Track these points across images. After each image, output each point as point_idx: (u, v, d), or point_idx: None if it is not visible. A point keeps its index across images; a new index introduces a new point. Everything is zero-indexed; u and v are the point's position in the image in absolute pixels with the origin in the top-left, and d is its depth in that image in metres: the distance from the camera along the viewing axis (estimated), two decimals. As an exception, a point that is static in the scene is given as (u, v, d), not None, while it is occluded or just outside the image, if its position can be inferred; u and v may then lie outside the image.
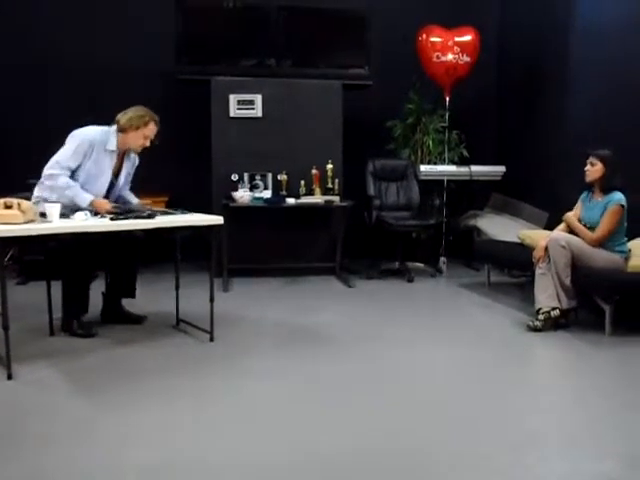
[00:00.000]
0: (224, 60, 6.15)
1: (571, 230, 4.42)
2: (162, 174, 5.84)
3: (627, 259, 4.30)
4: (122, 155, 4.17)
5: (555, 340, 4.09)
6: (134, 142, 4.07)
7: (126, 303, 4.40)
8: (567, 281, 4.20)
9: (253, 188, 5.85)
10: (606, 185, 4.30)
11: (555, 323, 4.23)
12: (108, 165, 4.07)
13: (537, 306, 4.26)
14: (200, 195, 5.69)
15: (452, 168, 6.50)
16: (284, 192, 5.89)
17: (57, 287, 4.03)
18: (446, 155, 6.58)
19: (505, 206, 6.68)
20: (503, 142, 7.20)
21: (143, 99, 4.26)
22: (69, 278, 4.02)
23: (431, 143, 6.57)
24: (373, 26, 6.29)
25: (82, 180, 3.97)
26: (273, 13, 6.19)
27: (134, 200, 4.29)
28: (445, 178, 6.51)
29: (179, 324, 4.29)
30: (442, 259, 6.46)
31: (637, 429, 2.74)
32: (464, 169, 6.48)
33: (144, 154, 4.35)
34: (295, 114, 6.07)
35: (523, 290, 5.36)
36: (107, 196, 4.13)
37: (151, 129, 4.08)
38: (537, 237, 4.72)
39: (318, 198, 5.85)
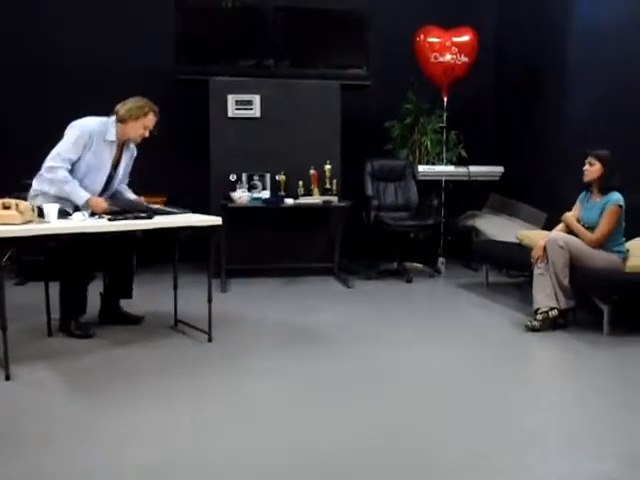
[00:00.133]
0: (223, 60, 6.15)
1: (570, 231, 4.42)
2: (160, 174, 5.83)
3: (625, 259, 4.31)
4: (121, 146, 4.15)
5: (553, 340, 4.09)
6: (133, 132, 4.06)
7: (124, 303, 4.40)
8: (565, 281, 4.20)
9: (251, 188, 5.84)
10: (604, 185, 4.31)
11: (553, 323, 4.23)
12: (108, 156, 4.06)
13: (535, 306, 4.26)
14: (198, 195, 5.68)
15: (450, 168, 6.51)
16: (282, 192, 5.89)
17: (55, 288, 4.03)
18: (444, 155, 6.58)
19: (503, 206, 6.68)
20: (501, 142, 7.21)
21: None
22: (67, 279, 4.02)
23: (429, 143, 6.57)
24: (371, 26, 6.29)
25: (82, 172, 3.96)
26: (271, 13, 6.19)
27: (131, 196, 4.27)
28: (443, 178, 6.51)
29: (177, 324, 4.28)
30: (440, 259, 6.47)
31: (636, 429, 2.74)
32: (462, 169, 6.48)
33: (143, 154, 4.35)
34: (293, 114, 6.07)
35: (521, 290, 5.36)
36: (106, 188, 4.13)
37: (150, 119, 4.07)
38: (535, 237, 4.73)
39: (316, 198, 5.85)
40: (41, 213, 3.48)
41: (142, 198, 4.21)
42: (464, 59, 6.39)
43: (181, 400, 3.03)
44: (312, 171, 5.95)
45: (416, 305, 5.15)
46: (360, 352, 3.83)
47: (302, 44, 6.32)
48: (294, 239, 6.11)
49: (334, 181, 6.03)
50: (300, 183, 5.95)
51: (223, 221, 3.99)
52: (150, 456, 2.46)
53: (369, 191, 6.33)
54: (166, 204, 5.87)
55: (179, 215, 4.08)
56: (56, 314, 4.05)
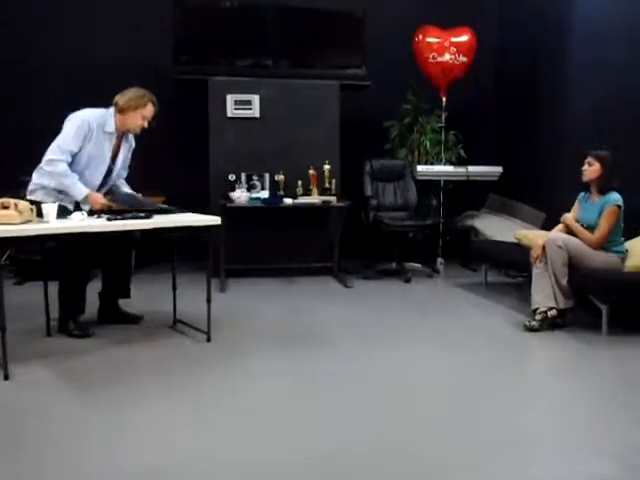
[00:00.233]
0: (222, 60, 6.16)
1: (569, 231, 4.42)
2: (159, 174, 5.85)
3: (624, 259, 4.31)
4: (120, 137, 4.15)
5: (552, 340, 4.10)
6: (133, 123, 4.05)
7: (123, 303, 4.40)
8: (564, 281, 4.20)
9: (250, 188, 5.84)
10: (603, 185, 4.31)
11: (552, 323, 4.23)
12: (107, 148, 4.06)
13: (534, 306, 4.26)
14: (197, 195, 5.68)
15: (449, 168, 6.51)
16: (281, 192, 5.89)
17: (54, 287, 4.03)
18: (443, 155, 6.58)
19: (502, 206, 6.68)
20: (500, 143, 7.21)
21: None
22: (66, 278, 4.02)
23: (428, 143, 6.57)
24: (370, 26, 6.30)
25: (83, 165, 3.95)
26: (270, 13, 6.20)
27: (128, 190, 4.26)
28: (442, 178, 6.51)
29: (176, 324, 4.28)
30: (439, 259, 6.47)
31: (634, 429, 2.74)
32: (461, 169, 6.49)
33: (142, 154, 4.35)
34: (292, 114, 6.07)
35: (520, 290, 5.37)
36: (105, 180, 4.12)
37: (149, 110, 4.07)
38: (534, 237, 4.73)
39: (315, 198, 5.85)
40: (40, 213, 3.49)
41: (140, 195, 4.21)
42: (462, 59, 6.39)
43: (180, 400, 3.03)
44: (311, 171, 5.95)
45: (415, 305, 5.15)
46: (359, 352, 3.83)
47: (301, 44, 6.32)
48: (293, 239, 6.11)
49: (333, 181, 6.03)
50: (299, 183, 5.95)
51: (222, 221, 3.98)
52: (149, 456, 2.46)
53: (368, 191, 6.34)
54: (165, 203, 5.89)
55: (177, 215, 4.08)
56: (55, 314, 4.05)
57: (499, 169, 6.53)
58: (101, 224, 3.59)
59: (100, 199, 3.93)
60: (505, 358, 3.76)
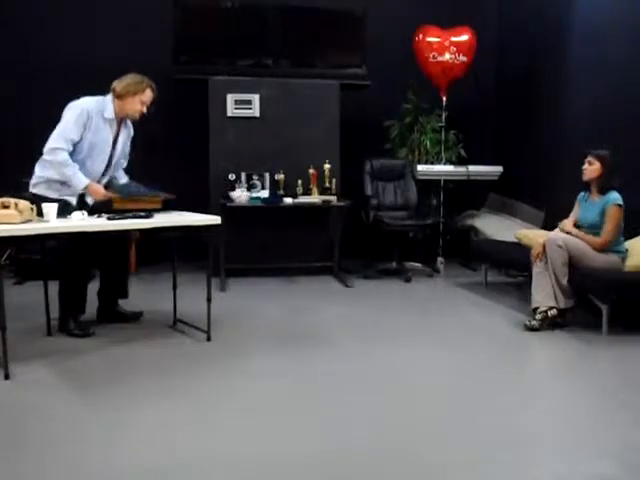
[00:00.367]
0: (222, 60, 6.16)
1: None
2: (159, 173, 5.80)
3: (624, 259, 4.31)
4: (119, 124, 4.14)
5: (552, 339, 4.10)
6: (131, 108, 4.05)
7: (122, 302, 4.40)
8: (564, 281, 4.20)
9: (250, 188, 5.84)
10: (603, 185, 4.31)
11: (552, 322, 4.23)
12: (108, 135, 4.06)
13: (534, 305, 4.26)
14: (198, 195, 5.67)
15: (449, 168, 6.51)
16: (281, 192, 5.89)
17: (54, 287, 4.03)
18: (443, 155, 6.58)
19: (502, 206, 6.68)
20: (500, 142, 7.20)
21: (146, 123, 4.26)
22: (66, 278, 4.02)
23: (428, 143, 6.57)
24: (370, 26, 6.30)
25: (85, 153, 3.95)
26: (270, 13, 6.20)
27: (127, 181, 4.27)
28: (442, 178, 6.51)
29: (176, 324, 4.28)
30: (439, 259, 6.47)
31: (634, 429, 2.74)
32: (461, 169, 6.49)
33: (142, 153, 4.35)
34: (292, 114, 6.07)
35: (520, 290, 5.37)
36: (106, 170, 4.12)
37: (148, 95, 4.08)
38: (534, 237, 4.73)
39: (315, 198, 5.85)
40: (40, 212, 3.49)
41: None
42: (463, 59, 6.39)
43: (180, 399, 3.03)
44: (311, 170, 5.96)
45: (415, 304, 5.15)
46: (359, 351, 3.83)
47: (301, 43, 6.33)
48: (293, 239, 6.11)
49: (333, 180, 6.04)
50: (299, 182, 5.95)
51: (222, 220, 3.99)
52: (149, 455, 2.46)
53: (368, 190, 6.34)
54: (164, 204, 5.89)
55: (177, 214, 4.08)
56: (55, 313, 4.05)
57: (499, 168, 6.53)
58: (101, 224, 3.59)
59: (100, 189, 3.94)
60: (505, 358, 3.76)
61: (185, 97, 6.31)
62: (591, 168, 4.35)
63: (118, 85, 4.03)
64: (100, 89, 4.15)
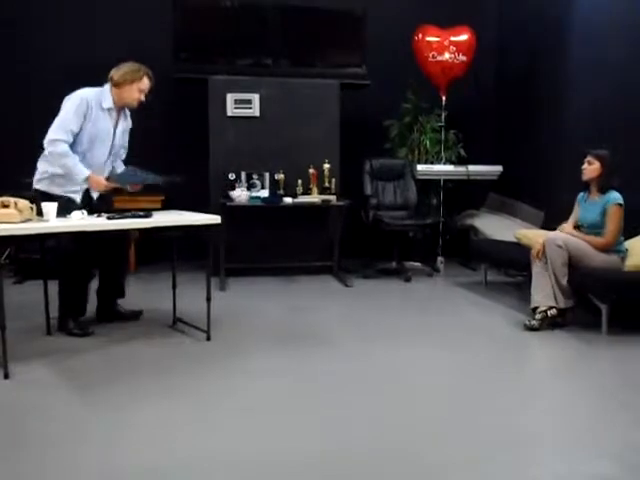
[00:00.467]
0: (221, 59, 6.16)
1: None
2: (159, 172, 5.82)
3: (624, 258, 4.31)
4: (118, 114, 4.13)
5: (552, 339, 4.10)
6: (130, 96, 4.05)
7: (122, 301, 4.40)
8: (564, 280, 4.20)
9: (250, 187, 5.84)
10: (603, 184, 4.31)
11: (552, 322, 4.23)
12: (108, 125, 4.05)
13: (534, 305, 4.26)
14: (197, 194, 5.67)
15: (449, 167, 6.51)
16: (281, 191, 5.89)
17: (54, 286, 4.03)
18: (443, 155, 6.58)
19: (502, 206, 6.68)
20: (500, 142, 7.20)
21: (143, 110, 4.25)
22: (67, 279, 4.01)
23: (428, 142, 6.57)
24: (370, 25, 6.30)
25: (86, 146, 3.94)
26: (270, 12, 6.20)
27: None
28: (442, 178, 6.51)
29: (176, 323, 4.28)
30: (439, 258, 6.47)
31: (634, 429, 2.74)
32: (461, 169, 6.49)
33: (142, 152, 4.34)
34: (292, 113, 6.07)
35: (520, 289, 5.37)
36: (106, 160, 4.12)
37: (145, 83, 4.07)
38: (534, 236, 4.73)
39: (315, 197, 5.85)
40: (40, 211, 3.48)
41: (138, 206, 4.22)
42: (462, 58, 6.40)
43: (180, 399, 3.03)
44: (311, 170, 5.96)
45: (414, 304, 5.15)
46: (358, 351, 3.83)
47: (301, 43, 6.32)
48: (293, 238, 6.11)
49: (333, 180, 6.04)
50: (299, 182, 5.95)
51: (222, 220, 3.99)
52: (149, 455, 2.46)
53: (368, 190, 6.33)
54: (164, 203, 5.90)
55: (177, 214, 4.08)
56: (55, 313, 4.05)
57: (499, 168, 6.53)
58: (100, 223, 3.59)
59: (101, 180, 3.94)
60: (505, 357, 3.76)
61: (185, 96, 6.31)
62: (590, 168, 4.35)
63: (115, 74, 4.03)
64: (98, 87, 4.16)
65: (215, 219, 3.92)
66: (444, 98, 6.54)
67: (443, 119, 6.56)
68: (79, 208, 3.70)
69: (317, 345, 3.91)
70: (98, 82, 4.09)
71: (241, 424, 2.77)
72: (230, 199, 5.66)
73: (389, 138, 6.66)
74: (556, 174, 5.80)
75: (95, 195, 4.08)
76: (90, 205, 3.99)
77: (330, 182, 6.02)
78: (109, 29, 6.36)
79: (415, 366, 3.59)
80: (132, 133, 4.31)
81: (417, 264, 6.34)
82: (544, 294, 4.22)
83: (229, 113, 5.95)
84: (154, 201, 5.82)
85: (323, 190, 5.97)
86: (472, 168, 6.48)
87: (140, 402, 2.98)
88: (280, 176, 5.94)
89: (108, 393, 3.09)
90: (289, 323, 4.45)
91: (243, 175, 5.89)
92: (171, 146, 6.40)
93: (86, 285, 4.12)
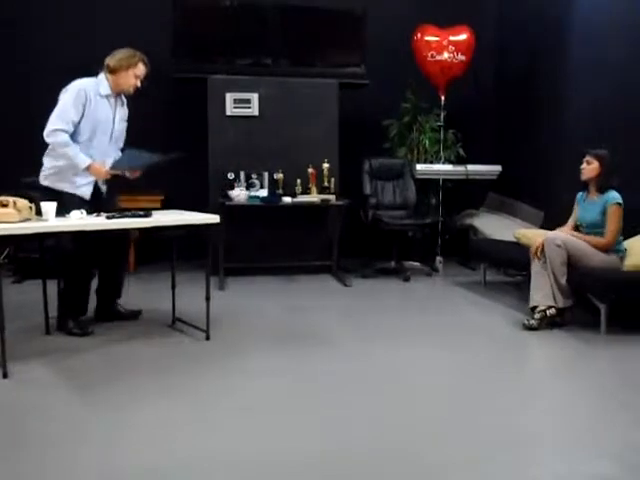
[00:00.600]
0: (221, 59, 6.16)
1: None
2: (158, 172, 5.81)
3: (623, 258, 4.32)
4: (115, 100, 4.12)
5: (551, 339, 4.10)
6: (126, 82, 4.05)
7: (121, 300, 4.39)
8: (563, 280, 4.20)
9: (249, 187, 5.84)
10: (602, 184, 4.32)
11: (551, 322, 4.23)
12: (108, 112, 4.05)
13: (533, 305, 4.26)
14: (196, 194, 5.68)
15: (448, 167, 6.51)
16: (280, 191, 5.89)
17: (53, 286, 4.02)
18: (442, 154, 6.58)
19: (501, 205, 6.68)
20: (499, 141, 7.20)
21: (140, 97, 4.25)
22: (68, 279, 4.01)
23: (427, 142, 6.57)
24: (370, 25, 6.29)
25: (88, 136, 3.94)
26: (270, 12, 6.20)
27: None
28: (441, 177, 6.51)
29: (175, 323, 4.28)
30: (438, 258, 6.47)
31: (634, 429, 2.74)
32: (460, 168, 6.49)
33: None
34: (292, 113, 6.07)
35: (519, 289, 5.37)
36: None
37: (141, 69, 4.08)
38: (533, 236, 4.73)
39: (314, 197, 5.85)
40: (39, 211, 3.48)
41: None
42: (461, 58, 6.40)
43: (179, 398, 3.03)
44: (310, 170, 5.95)
45: (414, 304, 5.15)
46: (357, 350, 3.83)
47: (300, 42, 6.32)
48: (292, 238, 6.11)
49: (332, 180, 6.04)
50: (298, 181, 5.95)
51: (221, 219, 3.98)
52: (149, 455, 2.46)
53: (367, 190, 6.33)
54: (163, 203, 5.90)
55: (177, 214, 4.08)
56: (54, 312, 4.05)
57: (498, 168, 6.53)
58: (100, 223, 3.59)
59: (103, 168, 3.94)
60: (505, 357, 3.76)
61: (184, 96, 6.31)
62: (589, 167, 4.35)
63: (111, 60, 4.04)
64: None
65: (214, 218, 3.92)
66: (443, 98, 6.54)
67: (442, 119, 6.56)
68: (89, 204, 3.69)
69: (316, 345, 3.91)
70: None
71: (241, 424, 2.77)
72: (229, 199, 5.65)
73: (388, 137, 6.66)
74: (556, 174, 5.80)
75: (104, 188, 4.08)
76: (99, 200, 4.01)
77: (329, 181, 6.02)
78: (109, 29, 6.34)
79: (415, 366, 3.58)
80: (132, 133, 4.30)
81: (416, 264, 6.34)
82: (543, 294, 4.22)
83: (228, 113, 5.95)
84: (154, 200, 5.81)
85: (322, 190, 5.97)
86: (471, 168, 6.48)
87: (139, 402, 2.97)
88: (279, 175, 5.94)
89: (107, 393, 3.09)
90: (288, 323, 4.44)
91: (242, 174, 5.89)
92: (170, 145, 6.36)
93: (87, 285, 4.11)
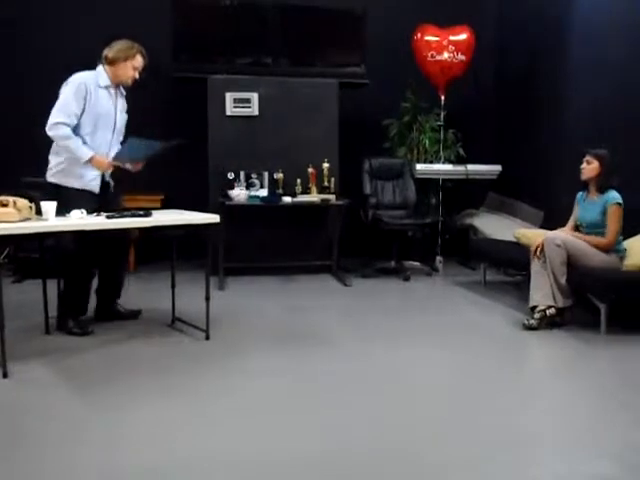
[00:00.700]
0: (221, 58, 6.15)
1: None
2: (158, 172, 5.82)
3: (623, 258, 4.32)
4: (115, 92, 4.12)
5: (550, 338, 4.10)
6: (124, 74, 4.06)
7: (121, 300, 4.39)
8: (563, 280, 4.20)
9: (249, 186, 5.84)
10: (602, 184, 4.32)
11: (551, 322, 4.23)
12: (110, 104, 4.05)
13: (532, 304, 4.26)
14: (196, 193, 5.68)
15: (448, 167, 6.51)
16: (280, 191, 5.89)
17: (53, 285, 4.02)
18: (442, 154, 6.58)
19: (501, 205, 6.68)
20: (499, 141, 7.20)
21: (139, 97, 4.25)
22: (69, 279, 4.01)
23: (427, 142, 6.57)
24: (370, 25, 6.29)
25: (91, 127, 3.94)
26: (270, 11, 6.20)
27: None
28: (441, 177, 6.51)
29: (175, 322, 4.28)
30: (438, 258, 6.47)
31: (634, 429, 2.74)
32: (460, 168, 6.48)
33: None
34: (291, 112, 6.07)
35: (518, 289, 5.37)
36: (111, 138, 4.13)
37: (139, 60, 4.09)
38: (533, 236, 4.73)
39: (314, 197, 5.85)
40: (39, 210, 3.48)
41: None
42: (461, 57, 6.40)
43: (179, 398, 3.03)
44: (310, 169, 5.95)
45: (414, 303, 5.15)
46: (357, 350, 3.83)
47: (300, 42, 6.32)
48: (292, 237, 6.11)
49: (332, 179, 6.04)
50: (298, 181, 5.95)
51: (221, 219, 3.98)
52: (149, 455, 2.45)
53: (367, 189, 6.33)
54: (163, 203, 5.90)
55: (176, 213, 4.08)
56: (54, 312, 4.04)
57: (498, 168, 6.53)
58: (100, 222, 3.58)
59: (104, 161, 3.94)
60: (504, 357, 3.76)
61: (184, 96, 6.31)
62: (589, 167, 4.35)
63: (109, 52, 4.06)
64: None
65: (214, 218, 3.92)
66: (443, 97, 6.54)
67: (442, 118, 6.56)
68: (98, 198, 3.70)
69: (316, 345, 3.91)
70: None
71: (240, 424, 2.77)
72: (229, 198, 5.65)
73: (388, 137, 6.66)
74: (556, 174, 5.80)
75: (111, 181, 4.10)
76: (107, 194, 4.04)
77: (329, 181, 6.02)
78: (109, 29, 6.31)
79: (415, 366, 3.58)
80: (132, 132, 4.30)
81: (416, 263, 6.34)
82: (543, 293, 4.22)
83: (228, 112, 5.95)
84: (153, 200, 5.81)
85: (322, 189, 5.97)
86: (471, 167, 6.48)
87: (139, 401, 2.97)
88: (279, 175, 5.94)
89: (107, 392, 3.08)
90: (288, 322, 4.44)
91: (242, 174, 5.88)
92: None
93: (87, 284, 4.11)
